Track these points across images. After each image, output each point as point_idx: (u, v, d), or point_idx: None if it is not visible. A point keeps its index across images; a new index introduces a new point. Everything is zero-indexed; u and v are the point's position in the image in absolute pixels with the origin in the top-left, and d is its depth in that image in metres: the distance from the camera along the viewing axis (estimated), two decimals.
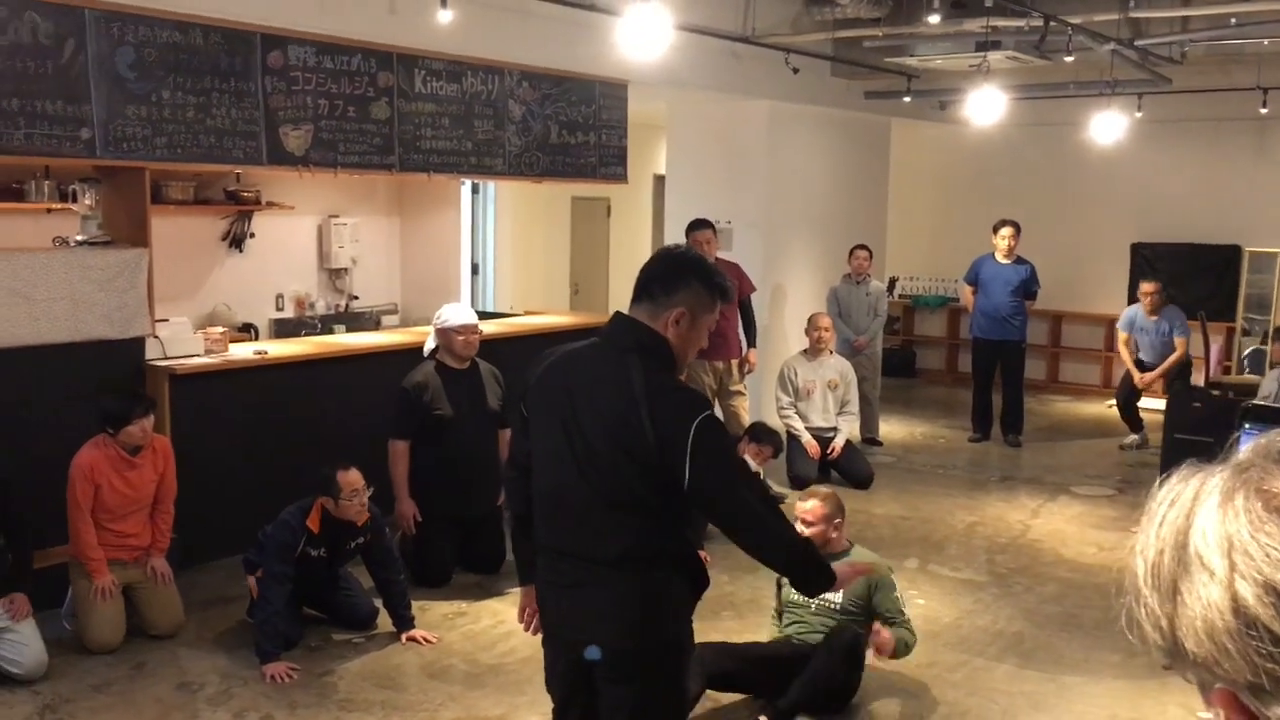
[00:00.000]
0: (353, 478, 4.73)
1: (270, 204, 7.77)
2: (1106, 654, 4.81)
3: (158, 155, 5.23)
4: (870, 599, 4.30)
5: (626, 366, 2.56)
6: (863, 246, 8.80)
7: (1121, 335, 9.09)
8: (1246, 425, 4.68)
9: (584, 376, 2.65)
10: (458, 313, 5.70)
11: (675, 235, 8.91)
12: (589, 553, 2.63)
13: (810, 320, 7.86)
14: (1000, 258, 8.76)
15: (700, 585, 2.75)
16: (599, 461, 2.59)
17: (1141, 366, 8.91)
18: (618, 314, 2.67)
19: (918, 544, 6.31)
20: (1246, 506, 0.74)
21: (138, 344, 5.42)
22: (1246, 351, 10.22)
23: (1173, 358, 8.73)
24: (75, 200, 5.64)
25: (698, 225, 7.33)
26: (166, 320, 5.87)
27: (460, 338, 5.60)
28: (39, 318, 5.01)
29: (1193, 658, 0.76)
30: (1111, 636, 4.98)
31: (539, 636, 2.89)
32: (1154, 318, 8.84)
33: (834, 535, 4.42)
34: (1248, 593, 0.72)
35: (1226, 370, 9.98)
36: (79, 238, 5.42)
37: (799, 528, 4.44)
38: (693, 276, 2.62)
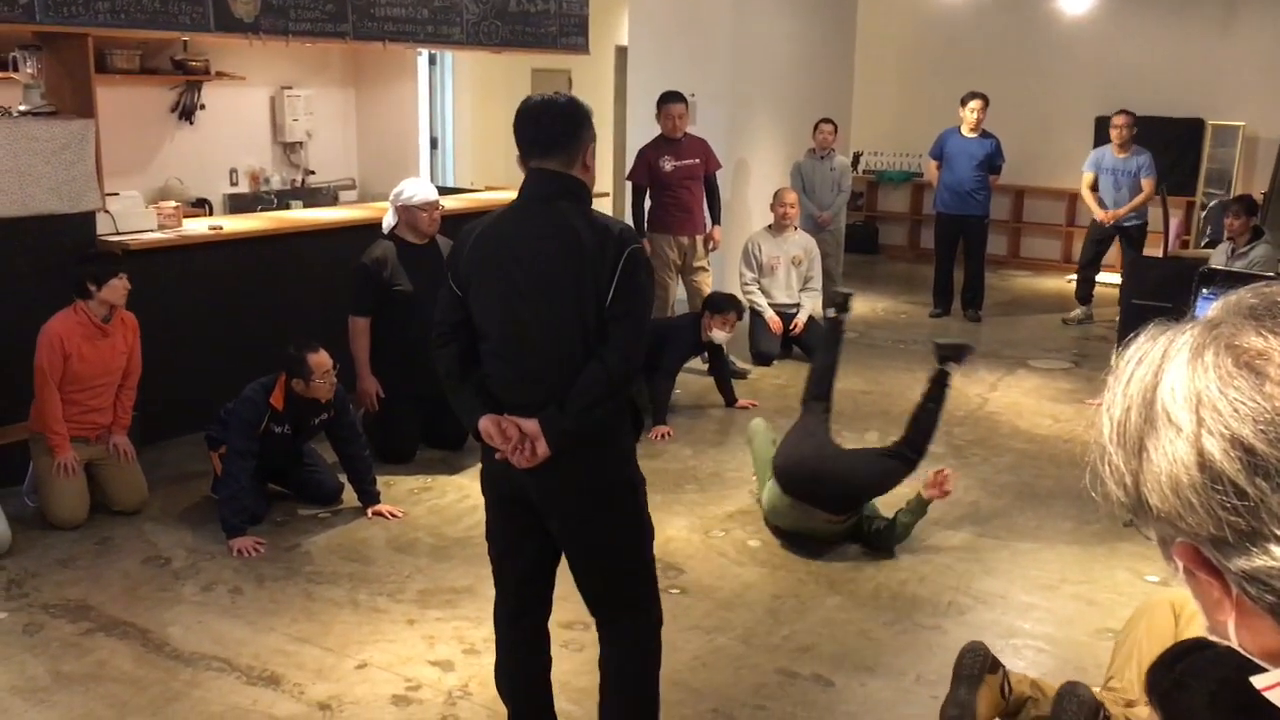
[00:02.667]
0: (322, 359, 4.69)
1: (220, 74, 7.53)
2: (1059, 522, 4.94)
3: (100, 20, 5.02)
4: None
5: (561, 212, 2.71)
6: (828, 120, 8.70)
7: (1086, 176, 8.82)
8: (1204, 291, 4.73)
9: (524, 233, 2.75)
10: (421, 188, 5.60)
11: (639, 109, 8.75)
12: (548, 399, 2.71)
13: (776, 196, 7.79)
14: (966, 131, 8.68)
15: (638, 426, 2.99)
16: (557, 305, 2.70)
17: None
18: (535, 170, 2.75)
19: (878, 417, 6.39)
20: (1216, 362, 0.74)
21: (88, 219, 5.29)
22: (1209, 207, 10.20)
23: (1140, 197, 8.56)
24: (16, 69, 5.43)
25: (670, 98, 7.20)
26: (117, 194, 5.72)
27: (425, 214, 5.52)
28: None
29: (1156, 513, 0.76)
30: (1064, 505, 5.11)
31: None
32: (1124, 155, 8.61)
33: None
34: (1214, 448, 0.72)
35: (1185, 245, 10.05)
36: (22, 108, 5.23)
37: None
38: (585, 119, 2.78)
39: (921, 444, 4.59)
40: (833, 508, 4.47)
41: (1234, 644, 0.78)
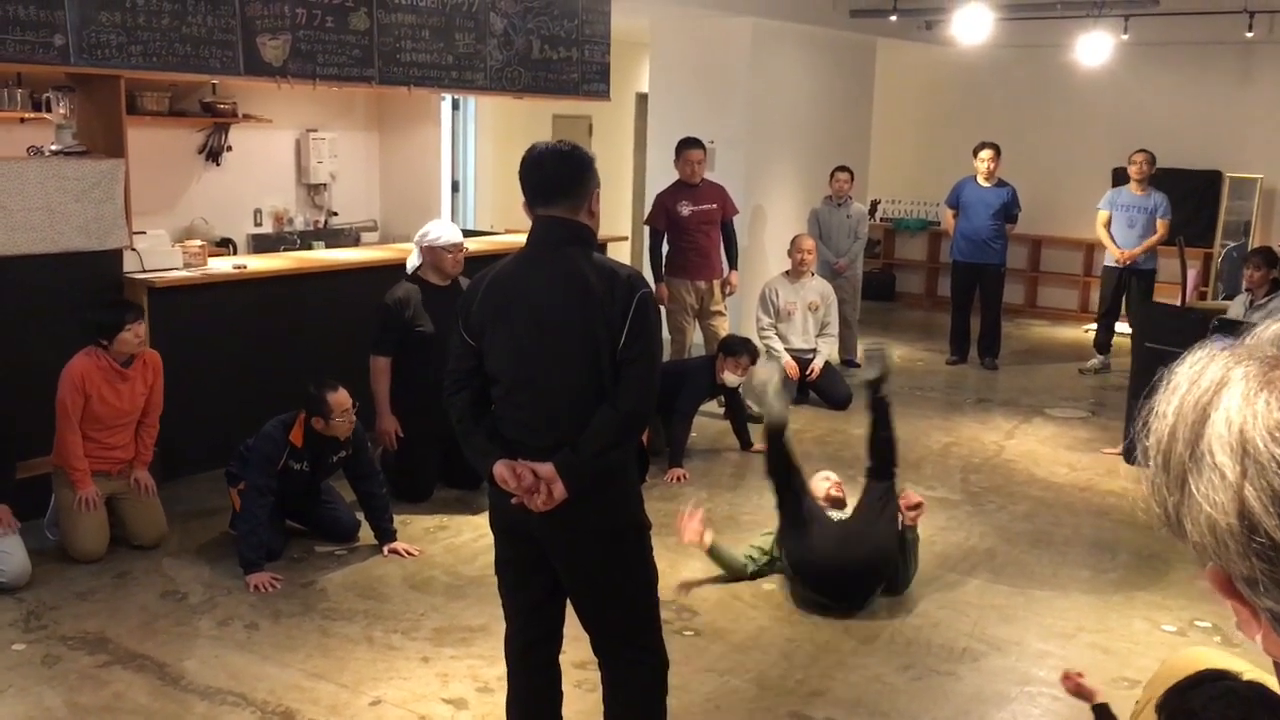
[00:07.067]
0: (341, 398, 4.74)
1: (247, 116, 7.65)
2: (1075, 570, 4.92)
3: (132, 63, 5.13)
4: None
5: (570, 258, 2.77)
6: (844, 168, 8.78)
7: (1102, 214, 8.76)
8: (1217, 338, 4.71)
9: (535, 279, 2.80)
10: (446, 230, 5.68)
11: (658, 154, 8.85)
12: (560, 442, 2.74)
13: (793, 242, 7.85)
14: (981, 180, 8.74)
15: (643, 468, 2.93)
16: (570, 350, 2.74)
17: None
18: (542, 217, 2.82)
19: None
20: (1268, 413, 0.72)
21: (115, 256, 5.37)
22: (1225, 254, 10.22)
23: (1155, 237, 8.53)
24: (49, 109, 5.55)
25: (689, 144, 7.29)
26: (144, 233, 5.81)
27: (450, 255, 5.59)
28: (15, 228, 4.95)
29: (1191, 540, 0.76)
30: (1081, 553, 5.09)
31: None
32: (1141, 193, 8.58)
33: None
34: (1255, 501, 0.71)
35: (1203, 296, 10.05)
36: (54, 147, 5.34)
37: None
38: (590, 167, 2.86)
39: (893, 465, 4.76)
40: (871, 585, 4.50)
41: (1260, 648, 0.77)
